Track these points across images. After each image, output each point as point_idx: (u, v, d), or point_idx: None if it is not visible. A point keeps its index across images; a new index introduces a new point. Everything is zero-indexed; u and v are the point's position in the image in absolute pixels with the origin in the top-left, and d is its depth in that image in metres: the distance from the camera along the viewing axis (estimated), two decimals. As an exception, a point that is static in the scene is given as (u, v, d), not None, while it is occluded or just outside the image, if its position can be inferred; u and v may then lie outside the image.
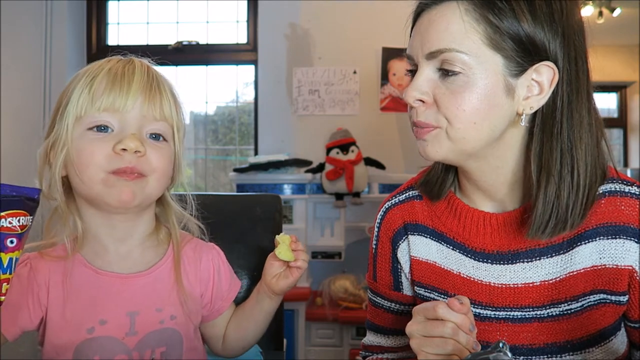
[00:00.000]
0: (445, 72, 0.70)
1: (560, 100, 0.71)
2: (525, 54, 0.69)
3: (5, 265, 0.61)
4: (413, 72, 0.75)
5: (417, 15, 0.75)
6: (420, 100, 0.73)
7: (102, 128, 0.75)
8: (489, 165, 0.76)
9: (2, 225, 0.59)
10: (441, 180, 0.84)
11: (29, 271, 0.78)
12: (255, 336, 0.93)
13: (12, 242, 0.61)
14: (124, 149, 0.74)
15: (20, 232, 0.61)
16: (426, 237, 0.86)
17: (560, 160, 0.71)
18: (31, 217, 0.62)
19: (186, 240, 0.88)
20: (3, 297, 0.61)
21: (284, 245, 0.87)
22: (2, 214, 0.59)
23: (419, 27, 0.74)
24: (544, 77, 0.70)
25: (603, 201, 0.74)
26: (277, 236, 0.88)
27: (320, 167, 2.59)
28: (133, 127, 0.76)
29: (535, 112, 0.72)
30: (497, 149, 0.74)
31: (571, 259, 0.75)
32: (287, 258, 0.87)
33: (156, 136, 0.79)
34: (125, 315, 0.78)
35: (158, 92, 0.78)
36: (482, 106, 0.70)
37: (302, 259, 0.88)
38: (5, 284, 0.61)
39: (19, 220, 0.61)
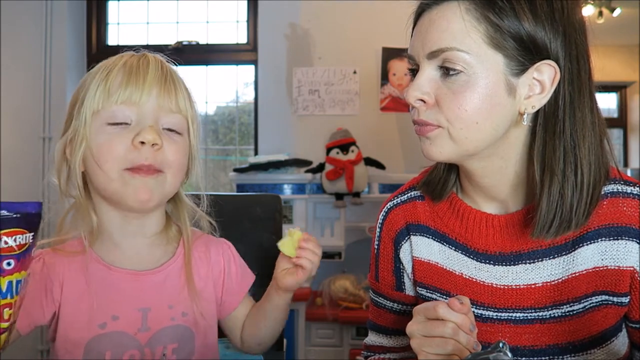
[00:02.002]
0: (446, 72, 0.70)
1: (562, 99, 0.71)
2: (526, 53, 0.69)
3: (4, 290, 0.55)
4: (414, 72, 0.75)
5: (418, 15, 0.75)
6: (422, 100, 0.73)
7: (119, 123, 0.76)
8: (492, 166, 0.76)
9: None
10: (443, 180, 0.83)
11: (42, 266, 0.79)
12: (267, 333, 0.91)
13: (9, 264, 0.55)
14: (142, 142, 0.75)
15: (18, 252, 0.56)
16: (428, 237, 0.85)
17: (563, 159, 0.70)
18: (31, 234, 0.58)
19: (196, 237, 0.89)
20: (5, 324, 0.57)
21: (290, 240, 0.84)
22: None
23: (420, 27, 0.74)
24: (545, 76, 0.70)
25: (605, 202, 0.74)
26: (289, 229, 0.86)
27: (320, 167, 2.59)
28: (150, 119, 0.77)
29: (538, 112, 0.72)
30: (500, 149, 0.74)
31: (573, 260, 0.74)
32: (287, 252, 0.85)
33: (171, 130, 0.80)
34: (137, 311, 0.79)
35: (173, 84, 0.80)
36: (483, 105, 0.70)
37: (306, 257, 0.84)
38: (7, 309, 0.56)
39: (14, 240, 0.56)
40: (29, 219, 0.57)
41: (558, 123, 0.71)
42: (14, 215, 0.55)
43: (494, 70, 0.69)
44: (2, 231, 0.54)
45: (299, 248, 0.84)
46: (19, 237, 0.56)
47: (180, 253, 0.85)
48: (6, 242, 0.55)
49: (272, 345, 1.11)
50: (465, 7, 0.69)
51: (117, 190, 0.76)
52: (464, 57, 0.68)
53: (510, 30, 0.68)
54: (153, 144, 0.75)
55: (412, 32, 0.76)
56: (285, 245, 0.84)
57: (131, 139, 0.75)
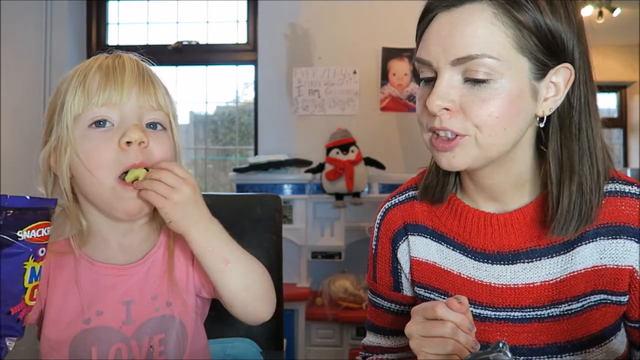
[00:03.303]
0: (473, 79, 0.68)
1: (577, 101, 0.71)
2: (550, 56, 0.69)
3: (37, 274, 0.64)
4: (429, 78, 0.72)
5: (432, 17, 0.71)
6: (445, 109, 0.70)
7: (101, 123, 0.76)
8: (501, 167, 0.75)
9: (34, 236, 0.62)
10: (442, 183, 0.83)
11: None
12: (221, 285, 0.77)
13: (42, 251, 0.64)
14: (129, 142, 0.75)
15: (46, 242, 0.65)
16: (426, 237, 0.85)
17: (581, 159, 0.72)
18: (50, 227, 0.66)
19: None
20: (34, 302, 0.65)
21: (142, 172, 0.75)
22: (32, 225, 0.62)
23: (438, 32, 0.69)
24: (560, 78, 0.70)
25: (604, 201, 0.74)
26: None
27: (320, 167, 2.59)
28: (133, 119, 0.77)
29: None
30: (511, 151, 0.74)
31: (572, 259, 0.75)
32: (128, 178, 0.75)
33: (154, 125, 0.80)
34: (121, 304, 0.79)
35: (151, 82, 0.79)
36: (512, 111, 0.68)
37: (145, 187, 0.73)
38: (36, 290, 0.65)
39: (46, 231, 0.64)
40: (50, 213, 0.66)
41: (573, 123, 0.72)
42: (44, 209, 0.64)
43: (521, 76, 0.68)
44: (36, 223, 0.63)
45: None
46: (48, 229, 0.65)
47: (162, 242, 0.84)
48: (40, 233, 0.63)
49: (272, 345, 1.11)
50: (493, 11, 0.66)
51: (108, 201, 0.76)
52: (494, 64, 0.67)
53: (538, 34, 0.67)
54: (140, 142, 0.75)
55: (422, 34, 0.73)
56: (134, 173, 0.75)
57: (117, 141, 0.75)
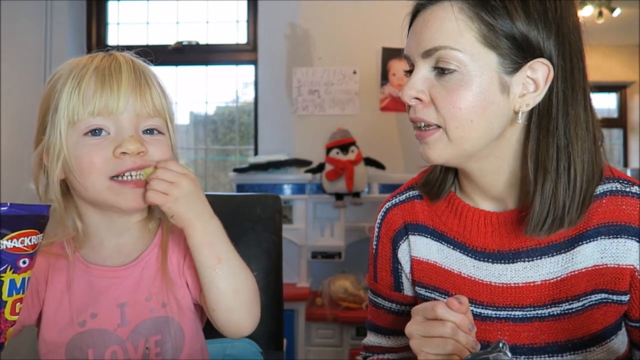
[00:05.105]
0: (440, 71, 0.71)
1: (555, 97, 0.71)
2: (519, 52, 0.69)
3: (18, 286, 0.60)
4: (411, 72, 0.76)
5: (414, 16, 0.76)
6: (417, 99, 0.74)
7: (97, 131, 0.75)
8: (490, 165, 0.76)
9: (14, 246, 0.58)
10: (441, 180, 0.84)
11: None
12: (210, 288, 0.77)
13: (24, 262, 0.60)
14: (125, 152, 0.74)
15: (31, 252, 0.60)
16: (427, 237, 0.86)
17: (556, 157, 0.71)
18: (41, 235, 0.62)
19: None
20: (15, 317, 0.62)
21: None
22: (13, 234, 0.58)
23: (415, 27, 0.75)
24: (539, 74, 0.70)
25: (604, 201, 0.74)
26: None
27: (320, 167, 2.59)
28: (129, 128, 0.75)
29: (532, 110, 0.73)
30: (496, 148, 0.75)
31: (572, 258, 0.75)
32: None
33: (151, 131, 0.78)
34: (115, 306, 0.78)
35: (147, 87, 0.78)
36: (477, 104, 0.70)
37: (151, 188, 0.73)
38: (18, 303, 0.61)
39: (30, 240, 0.60)
40: (39, 221, 0.61)
41: (552, 121, 0.71)
42: (27, 217, 0.59)
43: (488, 69, 0.70)
44: (17, 232, 0.58)
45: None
46: (33, 238, 0.60)
47: (156, 243, 0.83)
48: (22, 242, 0.59)
49: (272, 345, 1.11)
50: (459, 7, 0.70)
51: (108, 199, 0.75)
52: (458, 55, 0.69)
53: (504, 30, 0.68)
54: (138, 153, 0.74)
55: (408, 32, 0.77)
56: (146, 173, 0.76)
57: (112, 150, 0.74)
